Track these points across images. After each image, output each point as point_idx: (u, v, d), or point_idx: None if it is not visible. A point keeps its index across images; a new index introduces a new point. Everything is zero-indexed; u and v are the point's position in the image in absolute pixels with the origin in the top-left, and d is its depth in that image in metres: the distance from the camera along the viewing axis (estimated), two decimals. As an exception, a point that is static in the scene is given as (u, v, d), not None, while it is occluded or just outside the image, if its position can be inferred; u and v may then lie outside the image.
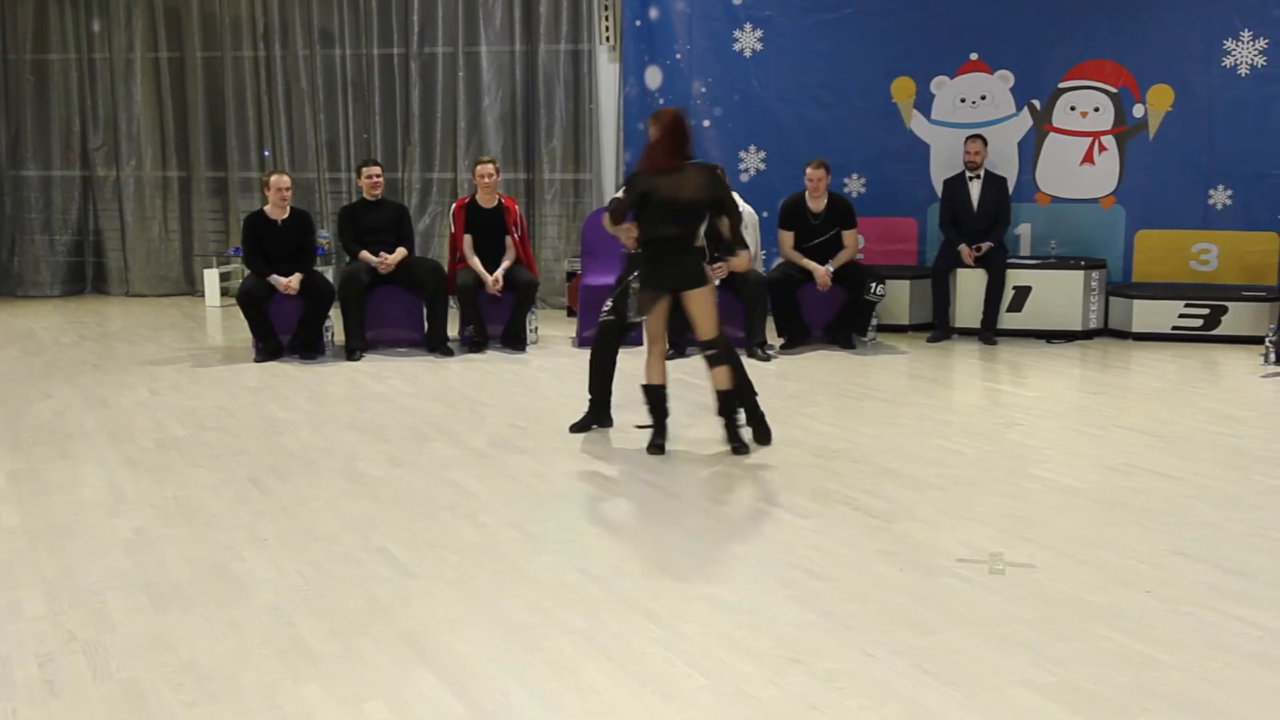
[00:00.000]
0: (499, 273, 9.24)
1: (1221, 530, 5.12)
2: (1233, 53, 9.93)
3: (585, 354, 9.05)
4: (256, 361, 8.87)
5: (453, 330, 9.44)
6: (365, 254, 9.14)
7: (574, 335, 9.67)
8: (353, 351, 8.97)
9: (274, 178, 9.05)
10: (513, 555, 4.86)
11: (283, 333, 8.97)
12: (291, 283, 8.80)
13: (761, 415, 6.50)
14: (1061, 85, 10.30)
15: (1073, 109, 10.34)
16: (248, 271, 9.07)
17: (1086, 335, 9.85)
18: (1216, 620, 4.15)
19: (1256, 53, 9.87)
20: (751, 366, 7.05)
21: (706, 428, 6.72)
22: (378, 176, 9.39)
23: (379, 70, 11.91)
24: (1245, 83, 9.91)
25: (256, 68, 12.17)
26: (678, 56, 10.92)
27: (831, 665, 3.81)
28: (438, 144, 11.82)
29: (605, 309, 6.76)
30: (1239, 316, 9.56)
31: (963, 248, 9.73)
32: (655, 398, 6.40)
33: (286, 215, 9.06)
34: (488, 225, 9.40)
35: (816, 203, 9.41)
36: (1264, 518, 5.27)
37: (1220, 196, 10.09)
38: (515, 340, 9.32)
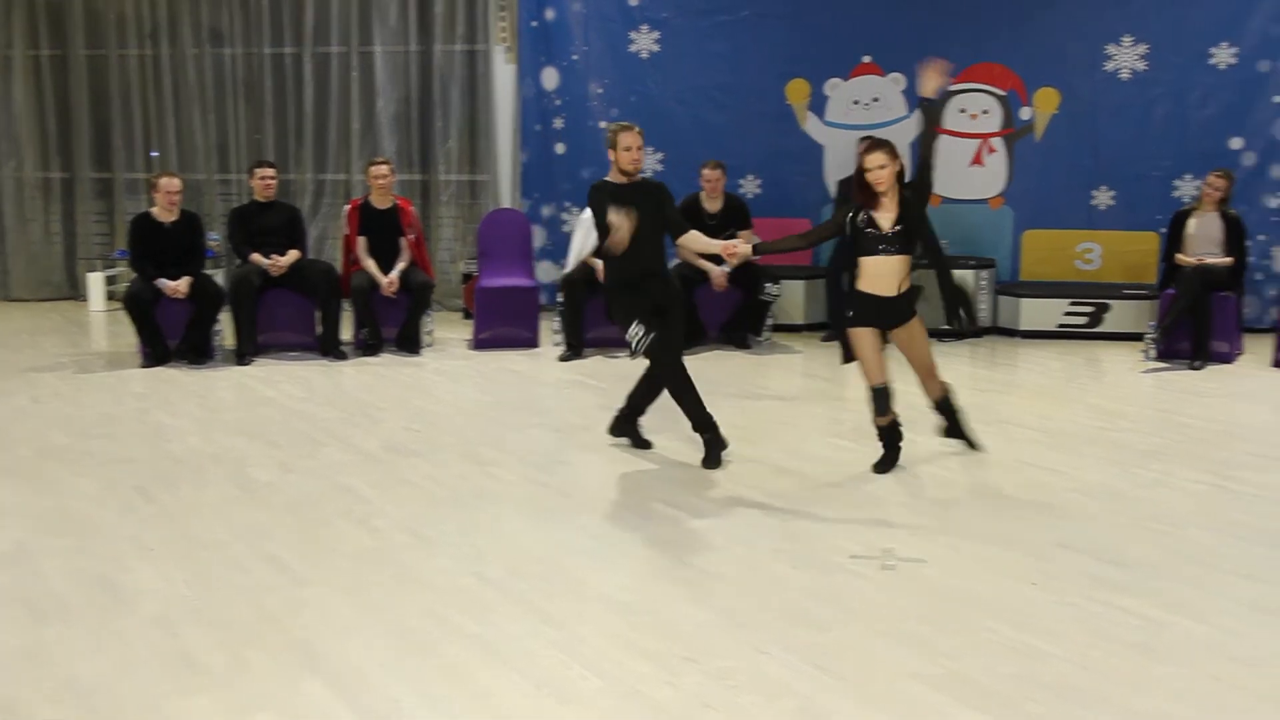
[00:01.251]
0: (394, 275, 9.14)
1: (1104, 523, 5.25)
2: (1115, 57, 10.21)
3: (480, 356, 9.06)
4: (143, 367, 8.65)
5: (346, 333, 9.31)
6: (256, 256, 8.98)
7: (470, 337, 9.60)
8: (243, 356, 8.81)
9: (163, 180, 8.85)
10: (406, 560, 4.80)
11: (171, 337, 8.77)
12: (180, 286, 8.61)
13: (633, 419, 6.51)
14: (951, 88, 10.49)
15: (963, 111, 10.54)
16: (134, 275, 8.86)
17: (976, 333, 10.04)
18: (1099, 611, 4.25)
19: (1137, 58, 10.16)
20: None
21: (602, 428, 6.71)
22: (271, 178, 9.23)
23: (271, 70, 11.71)
24: (1127, 87, 10.20)
25: (143, 66, 11.88)
26: (574, 57, 10.90)
27: (726, 664, 3.83)
28: (331, 145, 11.65)
29: (638, 337, 6.04)
30: (1121, 314, 9.83)
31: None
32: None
33: (175, 218, 8.86)
34: (382, 227, 9.29)
35: (712, 203, 9.47)
36: (1144, 510, 5.42)
37: (1103, 197, 10.37)
38: (410, 343, 9.23)
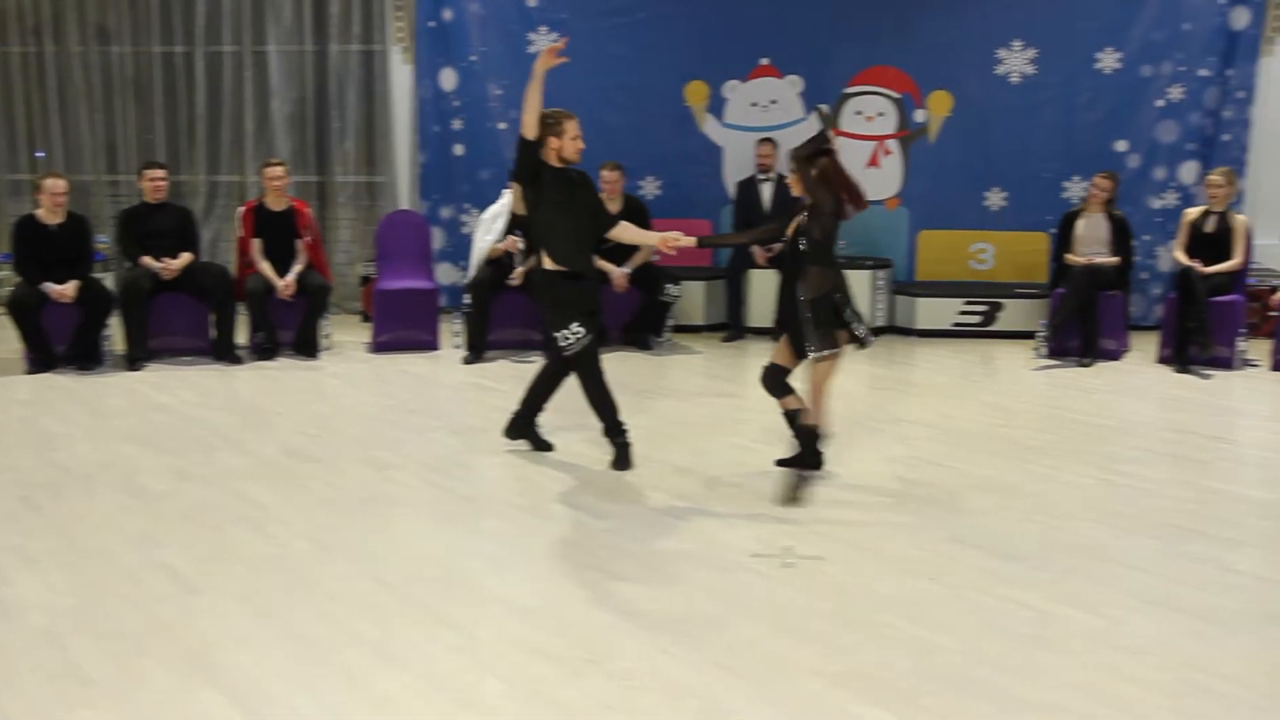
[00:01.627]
0: (290, 277, 9.00)
1: (997, 517, 5.36)
2: (1005, 61, 10.43)
3: (379, 359, 8.96)
4: (29, 373, 8.39)
5: (241, 337, 9.13)
6: (147, 259, 8.77)
7: (368, 340, 9.48)
8: (134, 361, 8.60)
9: (47, 181, 8.61)
10: (304, 566, 4.73)
11: (58, 343, 8.52)
12: (67, 290, 8.38)
13: (531, 420, 6.46)
14: (848, 90, 10.63)
15: (859, 113, 10.68)
16: (18, 279, 8.60)
17: (873, 332, 10.16)
18: (992, 604, 4.34)
19: (1026, 62, 10.39)
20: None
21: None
22: (161, 179, 9.03)
23: (161, 68, 11.44)
24: (1017, 90, 10.42)
25: (26, 64, 11.53)
26: (473, 58, 10.82)
27: (628, 664, 3.83)
28: (224, 146, 11.42)
29: (576, 338, 5.94)
30: (1014, 313, 10.04)
31: (756, 249, 9.93)
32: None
33: (62, 220, 8.63)
34: (278, 229, 9.14)
35: (611, 204, 9.45)
36: (1036, 504, 5.54)
37: (995, 198, 10.59)
38: (307, 347, 9.09)
